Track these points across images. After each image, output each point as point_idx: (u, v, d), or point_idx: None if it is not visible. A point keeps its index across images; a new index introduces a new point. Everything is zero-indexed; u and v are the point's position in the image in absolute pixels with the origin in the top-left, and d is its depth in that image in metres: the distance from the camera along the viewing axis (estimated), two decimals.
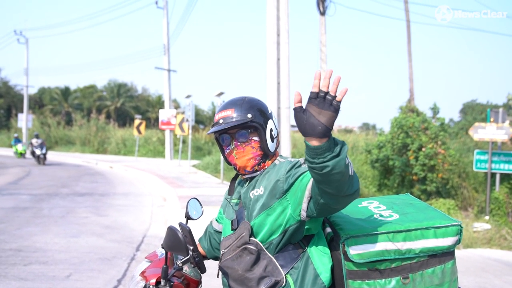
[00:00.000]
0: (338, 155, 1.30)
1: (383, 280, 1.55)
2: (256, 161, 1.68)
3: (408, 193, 1.99)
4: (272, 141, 1.70)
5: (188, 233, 1.62)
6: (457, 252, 6.86)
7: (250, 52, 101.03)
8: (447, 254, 1.61)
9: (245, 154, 1.66)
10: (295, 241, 1.60)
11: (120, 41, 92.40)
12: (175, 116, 18.51)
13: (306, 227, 1.58)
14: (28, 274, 4.50)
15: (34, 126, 29.47)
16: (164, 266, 1.60)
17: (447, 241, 1.59)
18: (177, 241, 1.56)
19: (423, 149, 12.21)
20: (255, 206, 1.63)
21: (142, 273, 1.72)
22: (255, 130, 1.67)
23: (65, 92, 41.72)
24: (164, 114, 19.59)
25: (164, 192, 10.48)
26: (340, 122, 38.21)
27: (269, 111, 1.73)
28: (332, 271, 1.63)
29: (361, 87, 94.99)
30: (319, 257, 1.60)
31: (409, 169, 12.42)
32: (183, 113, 18.08)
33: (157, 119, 34.31)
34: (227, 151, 1.70)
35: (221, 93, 12.94)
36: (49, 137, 29.39)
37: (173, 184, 11.66)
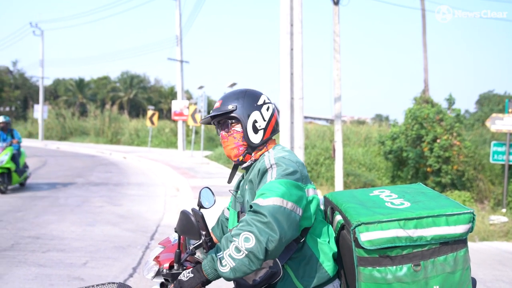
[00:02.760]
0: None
1: (394, 267, 1.55)
2: (240, 151, 1.74)
3: (420, 183, 1.97)
4: (256, 132, 1.72)
5: (200, 218, 1.64)
6: (473, 245, 6.79)
7: (263, 43, 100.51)
8: (459, 242, 1.59)
9: (228, 144, 1.75)
10: None
11: (133, 32, 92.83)
12: (188, 107, 18.59)
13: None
14: (47, 261, 4.62)
15: (49, 117, 29.91)
16: (177, 250, 1.62)
17: (459, 229, 1.58)
18: (190, 225, 1.58)
19: (438, 141, 12.05)
20: (248, 200, 1.69)
21: (156, 258, 1.76)
22: (238, 121, 1.72)
23: (80, 83, 42.19)
24: (177, 105, 19.69)
25: (177, 182, 10.59)
26: (353, 113, 37.89)
27: (259, 103, 1.74)
28: (334, 259, 1.66)
29: (374, 78, 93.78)
30: (319, 246, 1.62)
31: (423, 161, 12.29)
32: (195, 104, 18.17)
33: (169, 110, 34.49)
34: (220, 140, 1.81)
35: (233, 84, 12.96)
36: (64, 128, 29.87)
37: (186, 174, 11.76)
